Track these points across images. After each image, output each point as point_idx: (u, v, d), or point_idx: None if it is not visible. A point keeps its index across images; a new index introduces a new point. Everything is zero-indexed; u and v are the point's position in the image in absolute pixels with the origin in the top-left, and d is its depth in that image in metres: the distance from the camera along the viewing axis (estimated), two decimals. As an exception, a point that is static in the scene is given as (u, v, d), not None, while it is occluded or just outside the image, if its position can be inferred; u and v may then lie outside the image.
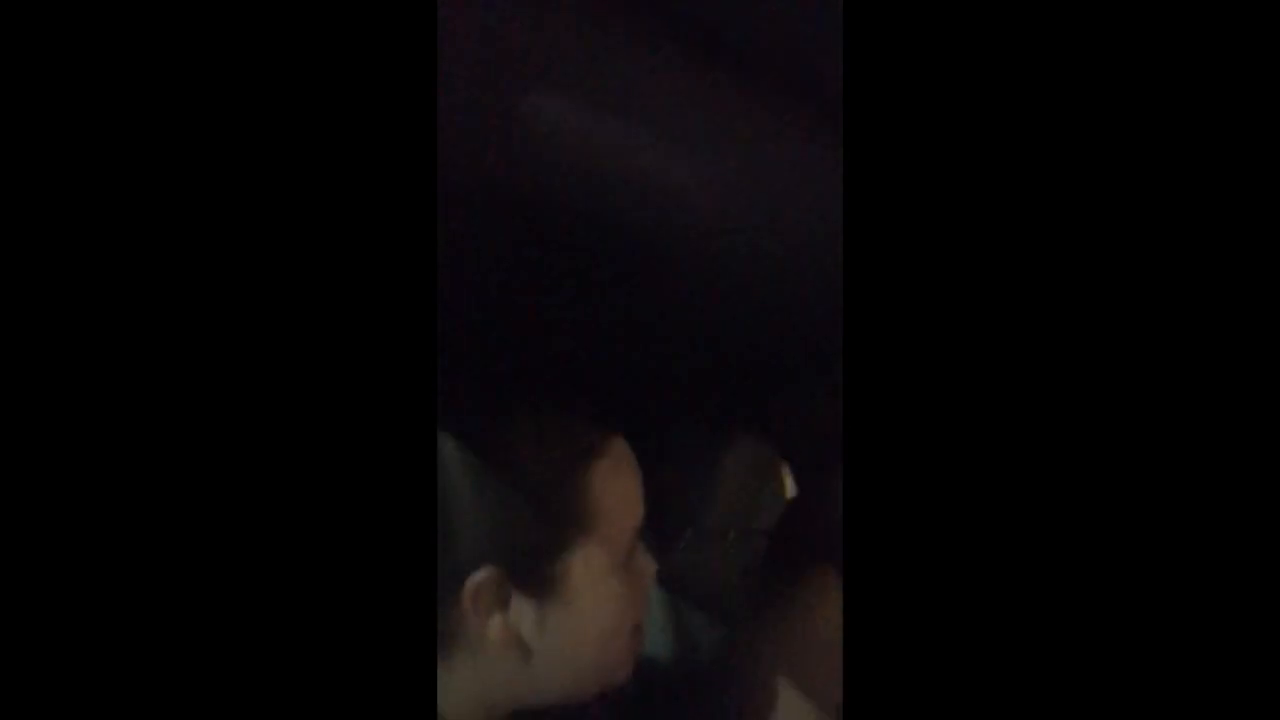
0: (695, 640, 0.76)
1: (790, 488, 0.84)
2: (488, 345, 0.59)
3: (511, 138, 0.42)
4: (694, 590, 0.76)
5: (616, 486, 0.57)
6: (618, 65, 0.39)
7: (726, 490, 0.77)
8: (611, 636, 0.57)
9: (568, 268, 0.53)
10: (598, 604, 0.56)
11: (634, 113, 0.42)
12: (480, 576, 0.53)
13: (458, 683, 0.55)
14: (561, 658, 0.56)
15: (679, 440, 0.76)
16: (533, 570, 0.54)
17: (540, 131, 0.42)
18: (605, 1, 0.37)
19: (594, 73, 0.39)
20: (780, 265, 0.54)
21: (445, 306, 0.37)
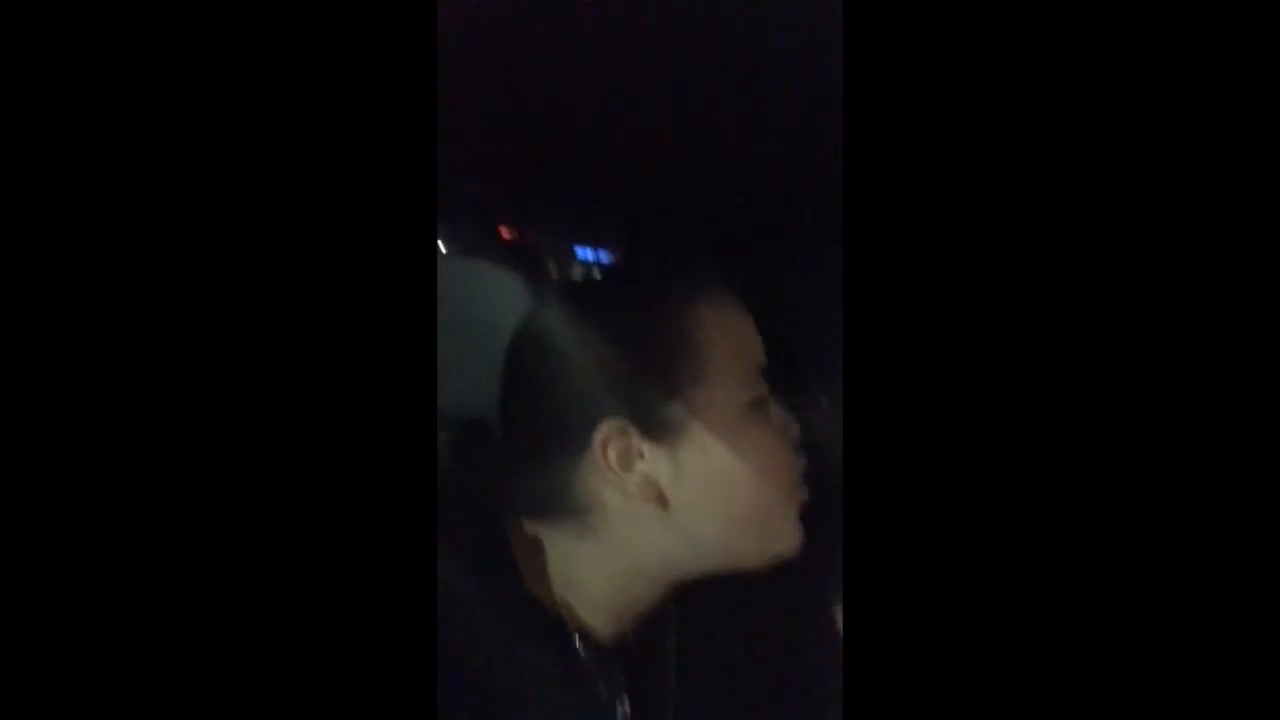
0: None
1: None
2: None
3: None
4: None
5: (729, 329, 0.56)
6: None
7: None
8: (758, 488, 0.55)
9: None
10: (734, 449, 0.54)
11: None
12: (606, 426, 0.53)
13: (608, 554, 0.55)
14: (707, 509, 0.54)
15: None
16: (656, 417, 0.53)
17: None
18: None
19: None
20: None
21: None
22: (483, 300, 0.65)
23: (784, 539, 0.56)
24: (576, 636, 0.54)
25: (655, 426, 0.53)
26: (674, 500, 0.53)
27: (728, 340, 0.55)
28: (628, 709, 0.54)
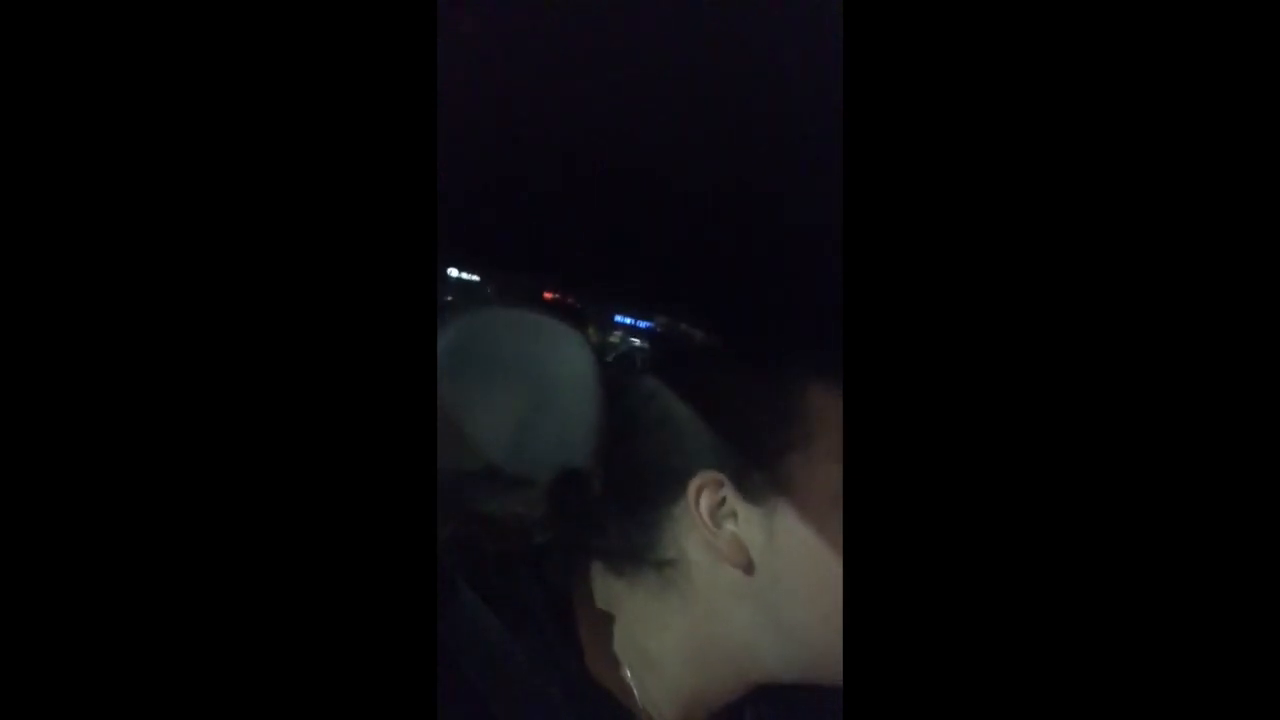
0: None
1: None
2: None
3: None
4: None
5: (838, 404, 0.51)
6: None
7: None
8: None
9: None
10: (835, 523, 0.49)
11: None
12: (702, 477, 0.50)
13: (687, 620, 0.50)
14: (796, 587, 0.49)
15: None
16: (755, 479, 0.50)
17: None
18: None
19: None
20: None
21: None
22: (535, 350, 0.64)
23: None
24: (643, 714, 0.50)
25: (753, 488, 0.49)
26: (761, 569, 0.49)
27: (838, 413, 0.51)
28: None
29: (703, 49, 0.39)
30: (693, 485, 0.49)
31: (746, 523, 0.49)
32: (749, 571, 0.49)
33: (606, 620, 0.52)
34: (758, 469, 0.49)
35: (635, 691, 0.50)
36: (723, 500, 0.50)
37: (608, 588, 0.53)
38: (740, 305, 0.55)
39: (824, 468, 0.49)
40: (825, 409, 0.51)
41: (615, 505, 0.53)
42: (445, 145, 0.35)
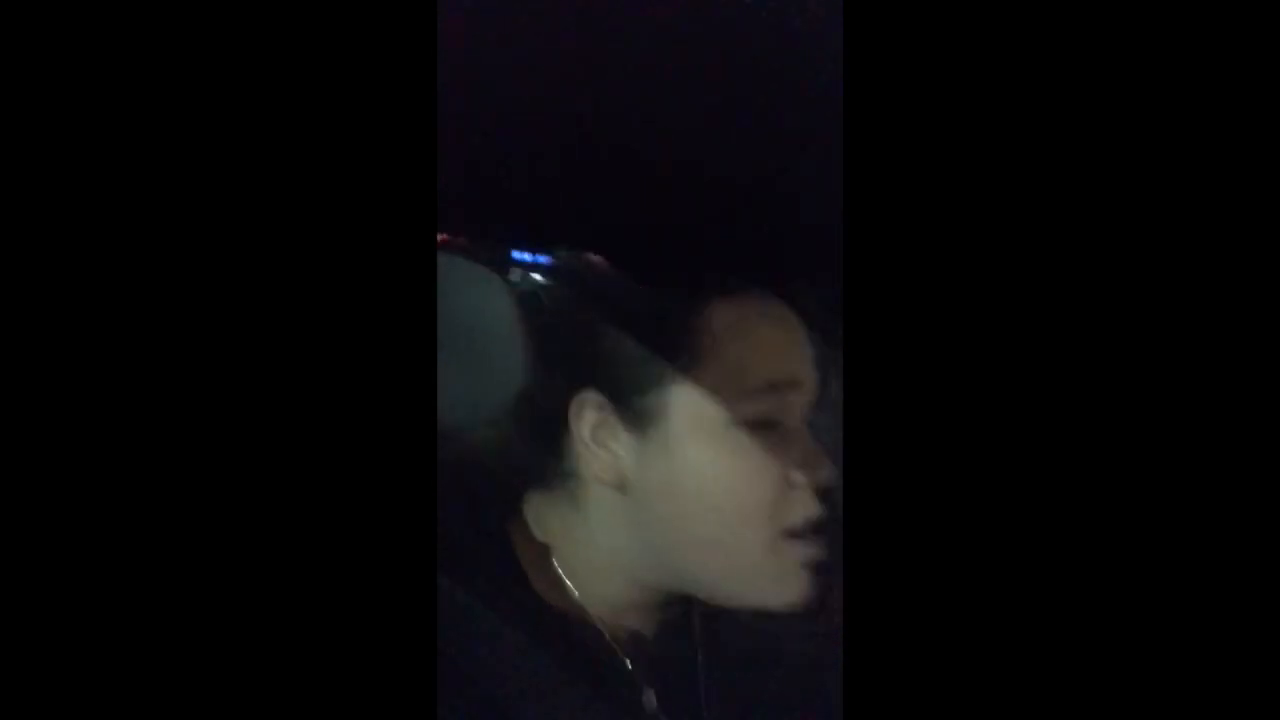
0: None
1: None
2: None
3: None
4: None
5: (742, 333, 0.51)
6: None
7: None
8: (727, 505, 0.50)
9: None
10: (704, 456, 0.50)
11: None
12: (582, 397, 0.52)
13: (593, 541, 0.53)
14: (664, 513, 0.51)
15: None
16: (636, 403, 0.51)
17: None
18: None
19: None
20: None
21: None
22: (479, 299, 0.64)
23: (763, 587, 0.51)
24: (605, 634, 0.53)
25: (630, 412, 0.51)
26: (634, 490, 0.51)
27: (738, 343, 0.51)
28: (654, 700, 0.52)
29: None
30: (573, 404, 0.51)
31: (623, 444, 0.51)
32: (623, 491, 0.51)
33: (543, 547, 0.54)
34: (639, 394, 0.51)
35: (584, 604, 0.53)
36: (603, 421, 0.51)
37: (536, 512, 0.55)
38: (638, 240, 0.56)
39: (705, 397, 0.51)
40: (713, 339, 0.51)
41: (526, 430, 0.54)
42: (444, 143, 0.35)
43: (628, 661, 0.53)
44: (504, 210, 0.58)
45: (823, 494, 0.51)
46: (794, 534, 0.51)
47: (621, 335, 0.52)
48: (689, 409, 0.51)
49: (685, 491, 0.51)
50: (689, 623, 0.57)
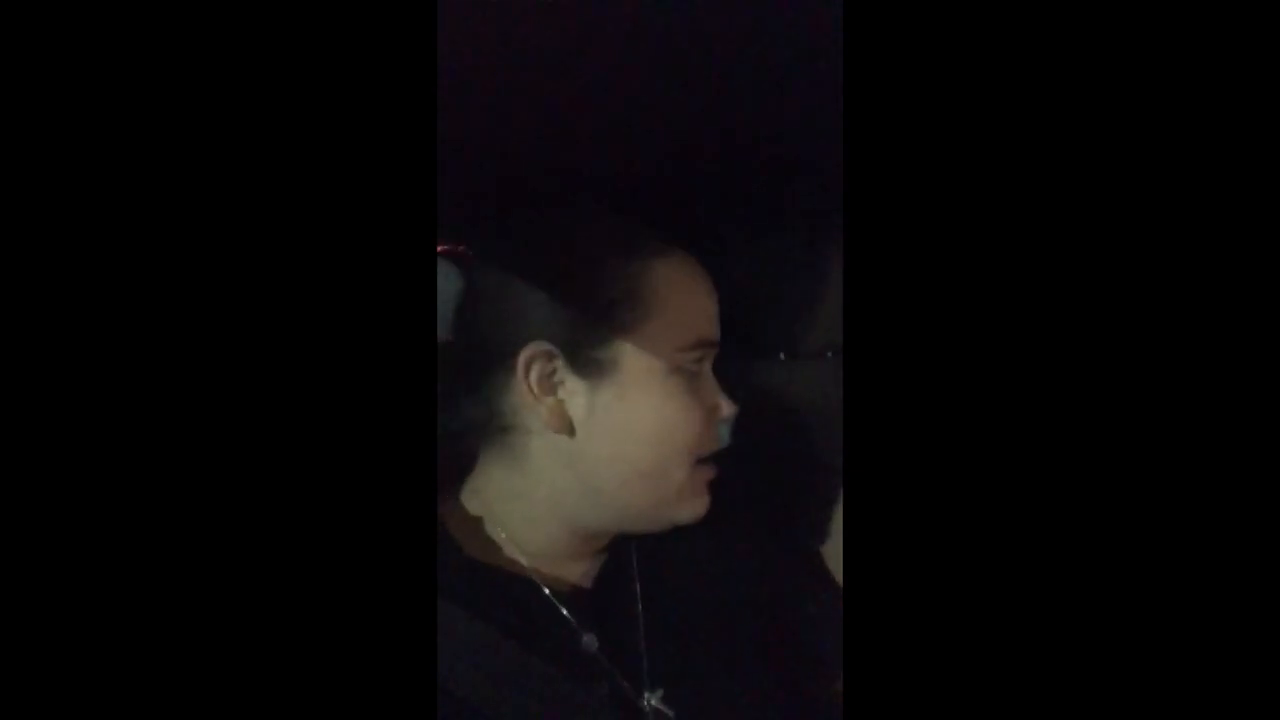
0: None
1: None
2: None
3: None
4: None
5: (679, 291, 0.56)
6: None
7: (827, 309, 0.73)
8: (661, 448, 0.55)
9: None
10: (650, 401, 0.55)
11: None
12: (533, 348, 0.54)
13: (530, 491, 0.56)
14: (609, 454, 0.55)
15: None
16: (585, 354, 0.54)
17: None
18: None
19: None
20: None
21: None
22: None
23: (680, 507, 0.57)
24: (544, 588, 0.55)
25: (582, 362, 0.54)
26: (580, 436, 0.55)
27: (676, 300, 0.56)
28: (595, 642, 0.55)
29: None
30: (523, 355, 0.54)
31: (573, 394, 0.54)
32: (570, 435, 0.55)
33: (475, 519, 0.57)
34: (590, 344, 0.54)
35: (520, 559, 0.56)
36: (553, 371, 0.54)
37: (471, 484, 0.58)
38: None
39: (651, 350, 0.54)
40: (664, 287, 0.55)
41: (462, 384, 0.56)
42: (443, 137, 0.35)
43: (564, 610, 0.55)
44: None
45: (725, 424, 0.59)
46: (704, 461, 0.58)
47: (573, 288, 0.54)
48: (639, 359, 0.54)
49: (632, 432, 0.55)
50: (628, 569, 0.60)
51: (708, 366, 0.58)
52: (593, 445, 0.55)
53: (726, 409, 0.58)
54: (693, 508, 0.58)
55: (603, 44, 0.38)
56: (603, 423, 0.55)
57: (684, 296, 0.56)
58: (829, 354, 0.73)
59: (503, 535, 0.56)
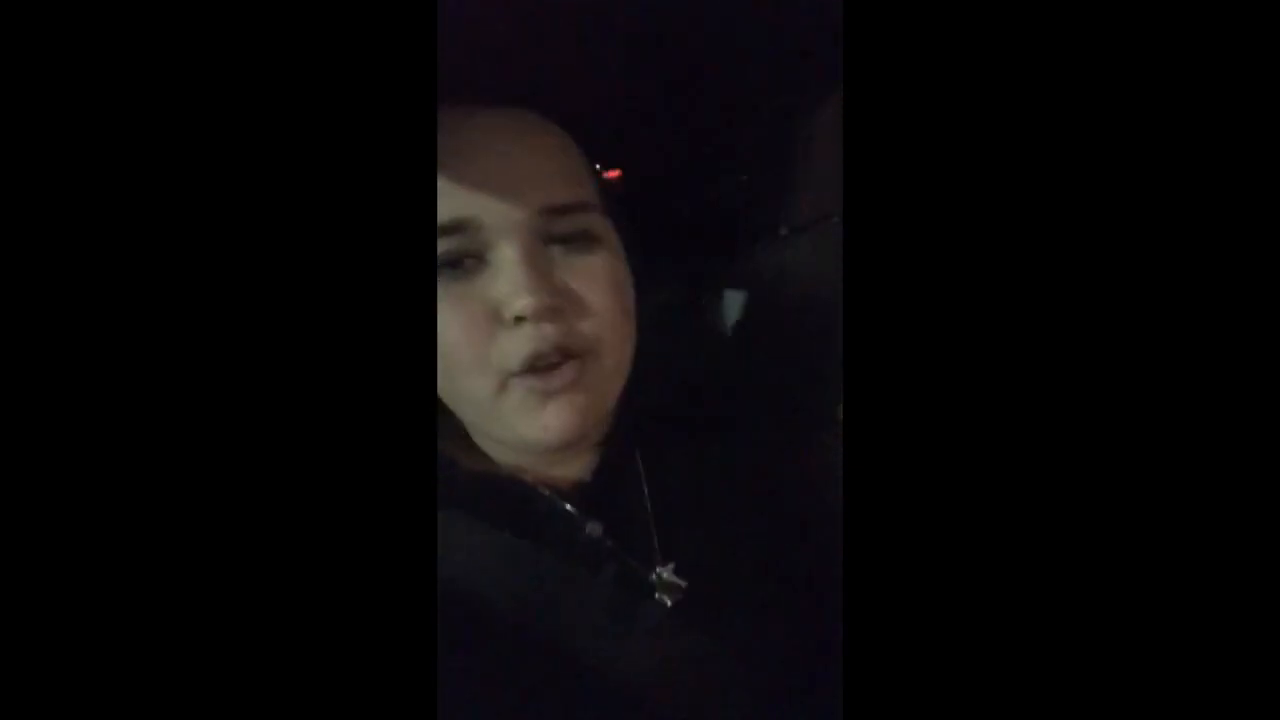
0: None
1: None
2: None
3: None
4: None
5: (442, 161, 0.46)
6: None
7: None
8: (442, 356, 0.47)
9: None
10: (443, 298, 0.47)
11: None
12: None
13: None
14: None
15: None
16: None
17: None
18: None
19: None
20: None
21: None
22: None
23: (517, 427, 0.48)
24: (540, 488, 0.54)
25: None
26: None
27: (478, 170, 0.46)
28: (599, 528, 0.53)
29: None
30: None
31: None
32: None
33: (464, 432, 0.54)
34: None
35: (511, 462, 0.54)
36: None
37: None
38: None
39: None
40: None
41: None
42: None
43: (565, 504, 0.54)
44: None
45: (531, 325, 0.47)
46: (519, 373, 0.47)
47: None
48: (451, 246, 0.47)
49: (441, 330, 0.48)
50: (631, 458, 0.58)
51: (496, 254, 0.47)
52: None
53: (518, 305, 0.46)
54: (534, 427, 0.48)
55: (603, 44, 0.37)
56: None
57: (445, 167, 0.46)
58: (834, 219, 0.69)
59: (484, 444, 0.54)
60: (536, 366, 0.47)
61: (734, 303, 0.75)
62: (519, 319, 0.46)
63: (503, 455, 0.54)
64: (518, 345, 0.46)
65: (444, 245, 0.46)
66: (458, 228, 0.46)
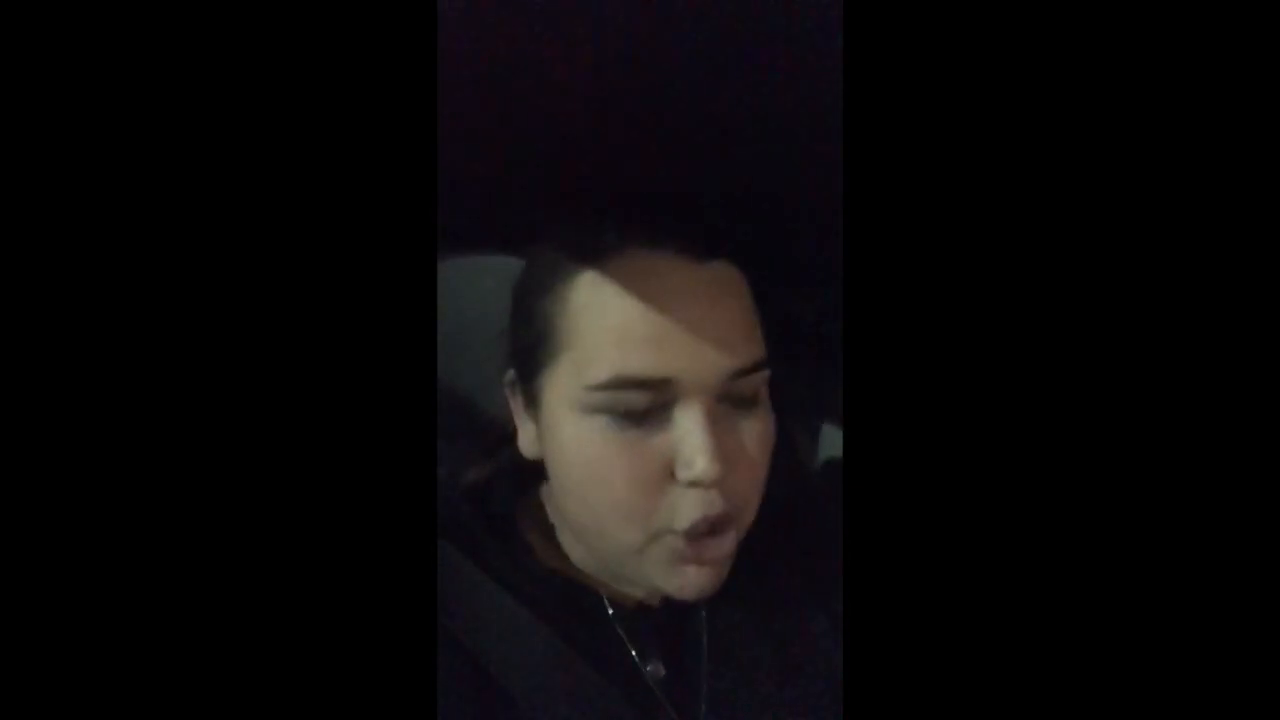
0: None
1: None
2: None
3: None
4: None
5: (598, 314, 0.46)
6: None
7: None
8: (593, 494, 0.47)
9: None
10: (560, 442, 0.47)
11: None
12: (509, 374, 0.53)
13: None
14: (556, 486, 0.51)
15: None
16: (529, 386, 0.50)
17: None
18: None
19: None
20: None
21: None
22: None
23: (658, 576, 0.48)
24: (605, 602, 0.53)
25: (529, 391, 0.51)
26: (548, 471, 0.51)
27: (593, 324, 0.46)
28: (661, 671, 0.52)
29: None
30: (505, 379, 0.53)
31: (524, 423, 0.52)
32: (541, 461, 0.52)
33: (549, 525, 0.55)
34: (532, 374, 0.50)
35: (588, 570, 0.54)
36: (516, 398, 0.53)
37: (546, 491, 0.56)
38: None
39: (566, 382, 0.48)
40: (571, 320, 0.47)
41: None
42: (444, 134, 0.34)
43: (621, 632, 0.53)
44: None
45: (703, 490, 0.46)
46: (684, 533, 0.47)
47: (521, 322, 0.51)
48: (556, 393, 0.48)
49: (559, 477, 0.50)
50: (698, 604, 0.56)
51: (681, 412, 0.45)
52: (553, 480, 0.51)
53: (695, 469, 0.44)
54: (674, 582, 0.47)
55: (604, 44, 0.38)
56: (548, 460, 0.50)
57: (606, 319, 0.45)
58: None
59: (568, 548, 0.54)
60: (698, 532, 0.46)
61: (830, 439, 0.73)
62: (694, 483, 0.45)
63: (581, 556, 0.54)
64: (688, 508, 0.46)
65: (633, 398, 0.45)
66: (654, 385, 0.45)
